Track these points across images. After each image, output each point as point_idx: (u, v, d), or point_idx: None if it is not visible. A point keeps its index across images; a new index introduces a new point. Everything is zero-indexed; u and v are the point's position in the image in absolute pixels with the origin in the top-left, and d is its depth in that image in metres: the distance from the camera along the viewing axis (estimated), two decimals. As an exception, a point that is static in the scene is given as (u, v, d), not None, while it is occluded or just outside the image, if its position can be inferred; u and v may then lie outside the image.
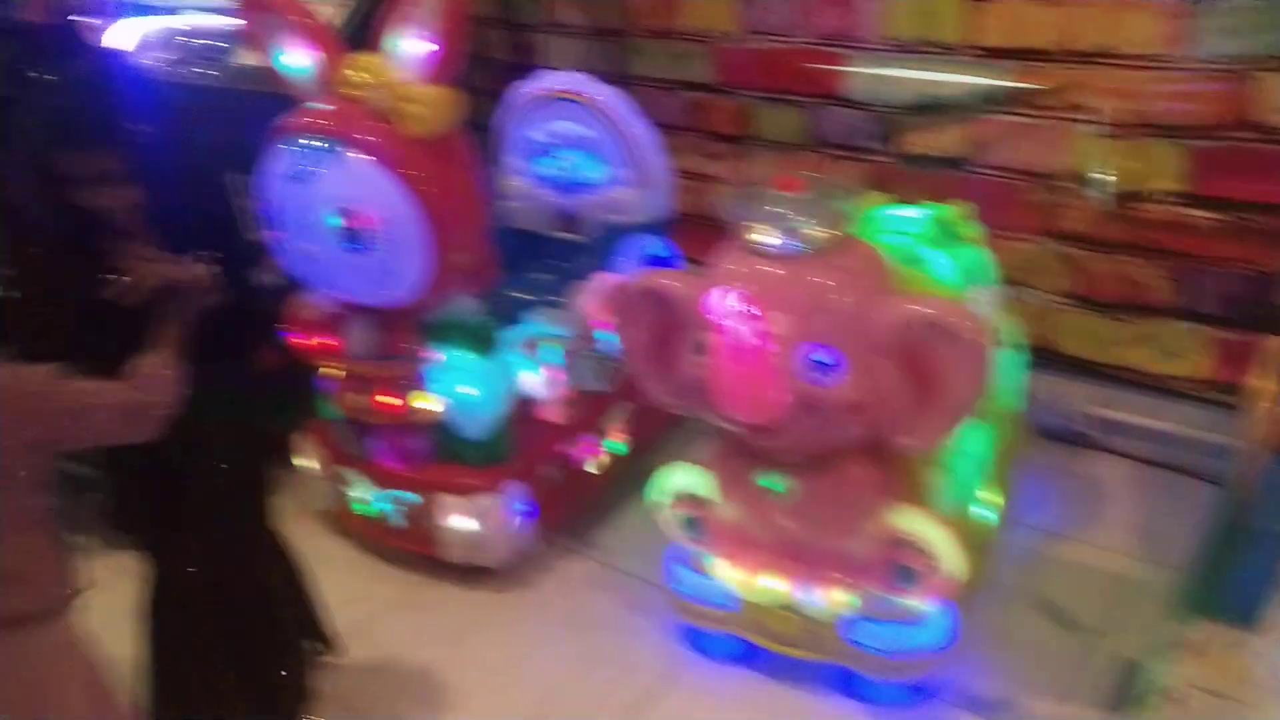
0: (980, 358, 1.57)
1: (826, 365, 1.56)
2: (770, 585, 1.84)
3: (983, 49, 2.44)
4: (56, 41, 2.36)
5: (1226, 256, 2.26)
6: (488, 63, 2.11)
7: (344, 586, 2.10)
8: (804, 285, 1.60)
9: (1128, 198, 2.32)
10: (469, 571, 2.26)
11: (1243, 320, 2.29)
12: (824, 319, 1.58)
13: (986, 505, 2.10)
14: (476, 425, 2.15)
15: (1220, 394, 2.37)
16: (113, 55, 2.59)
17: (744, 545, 1.85)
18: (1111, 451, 2.58)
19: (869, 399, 1.59)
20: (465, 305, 2.11)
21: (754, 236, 1.64)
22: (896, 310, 1.59)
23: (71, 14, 3.42)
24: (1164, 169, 2.27)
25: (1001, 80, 2.41)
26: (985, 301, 2.06)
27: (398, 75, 1.89)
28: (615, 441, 2.48)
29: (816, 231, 1.61)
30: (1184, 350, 2.39)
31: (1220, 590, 1.47)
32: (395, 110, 1.87)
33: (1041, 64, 2.36)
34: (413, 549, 2.29)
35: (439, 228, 1.90)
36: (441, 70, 1.89)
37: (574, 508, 2.42)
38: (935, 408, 1.62)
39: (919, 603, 1.80)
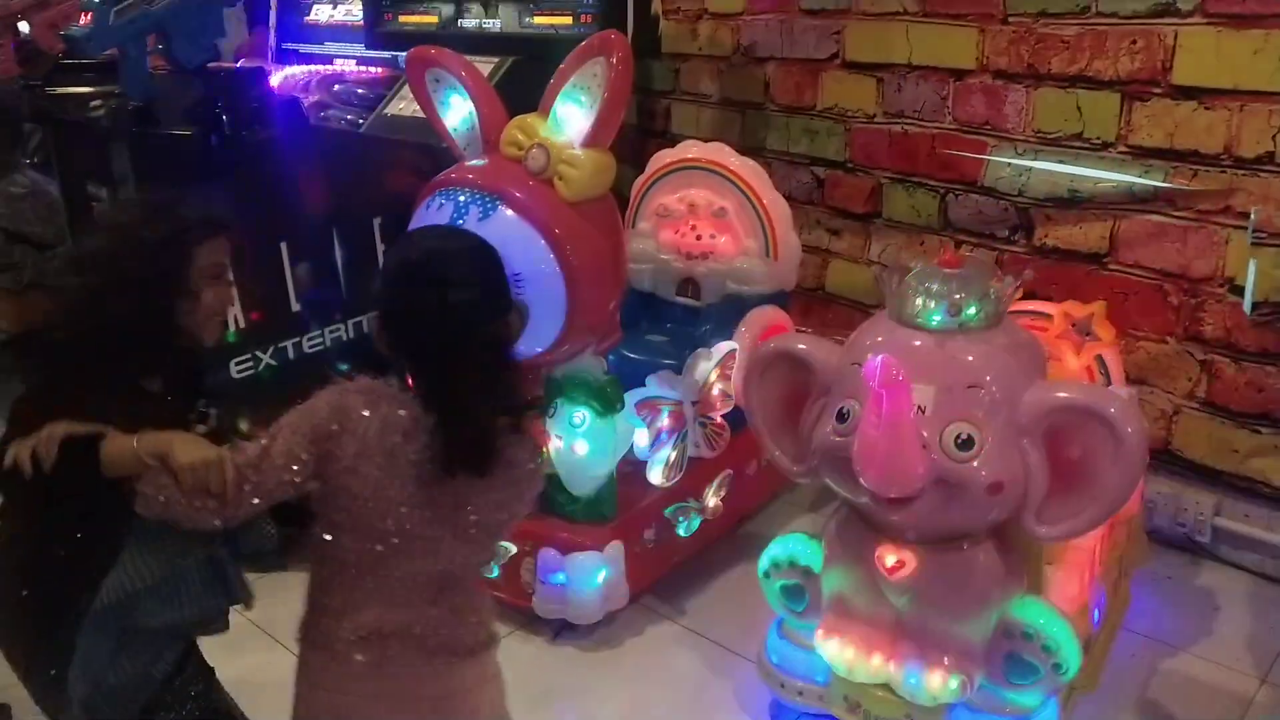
0: (1135, 452, 1.53)
1: (972, 443, 1.55)
2: (875, 664, 1.80)
3: (1137, 148, 2.41)
4: (239, 86, 2.55)
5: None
6: (620, 128, 2.18)
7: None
8: (957, 362, 1.60)
9: (1276, 307, 2.25)
10: (559, 627, 2.27)
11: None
12: (974, 397, 1.57)
13: (1100, 605, 2.03)
14: (587, 482, 2.17)
15: None
16: (285, 102, 2.79)
17: (851, 620, 1.81)
18: (1232, 564, 2.48)
19: (1010, 482, 1.57)
20: (591, 363, 2.16)
21: (909, 311, 1.66)
22: (1049, 395, 1.58)
23: (240, 60, 3.66)
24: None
25: (1150, 179, 2.38)
26: (1124, 398, 2.01)
27: (559, 138, 1.96)
28: (713, 508, 2.48)
29: (973, 310, 1.62)
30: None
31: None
32: (554, 172, 1.94)
33: (1197, 167, 2.32)
34: (504, 599, 2.30)
35: (579, 288, 1.96)
36: (600, 136, 1.96)
37: (668, 571, 2.42)
38: (1079, 500, 1.58)
39: (1030, 698, 1.74)
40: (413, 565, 1.31)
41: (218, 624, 1.54)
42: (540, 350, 2.03)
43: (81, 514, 1.36)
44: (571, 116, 1.97)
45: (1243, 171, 2.27)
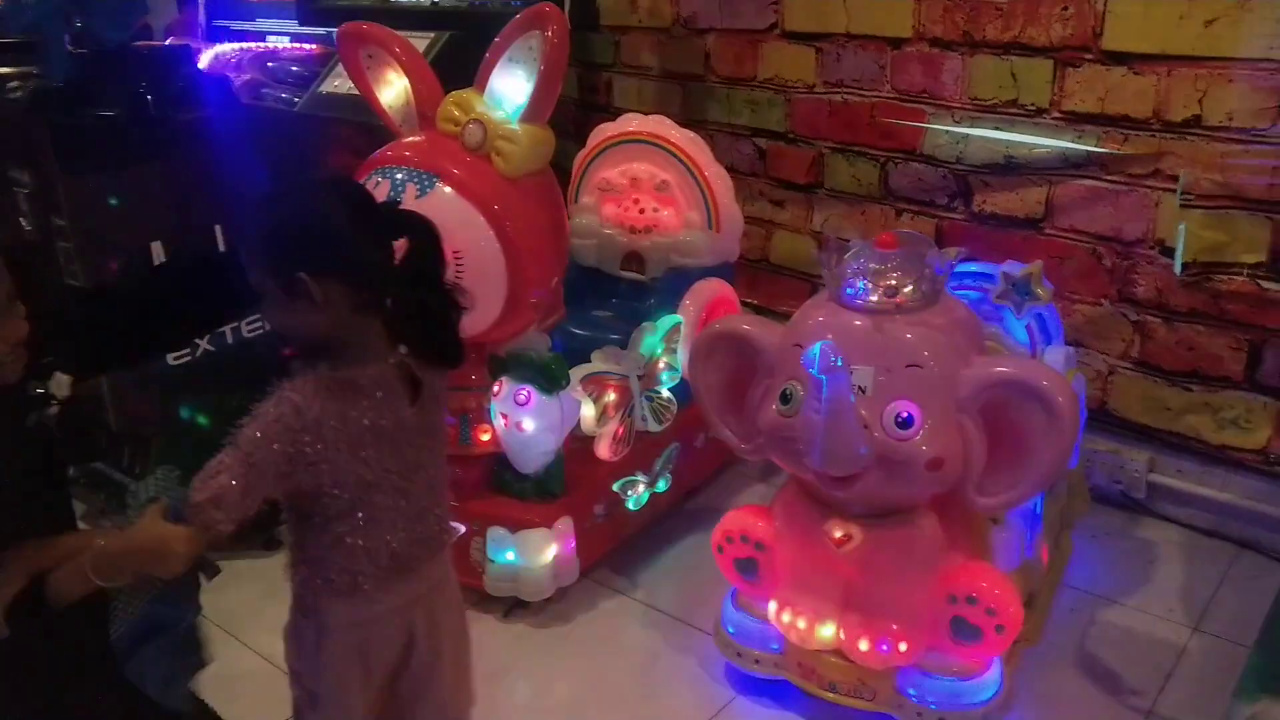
0: (1067, 423, 1.58)
1: (912, 421, 1.58)
2: (826, 632, 1.83)
3: (1070, 114, 2.44)
4: (164, 65, 2.48)
5: (1304, 332, 2.24)
6: (560, 102, 2.17)
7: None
8: (895, 342, 1.63)
9: (1204, 268, 2.31)
10: (510, 605, 2.27)
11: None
12: (913, 376, 1.60)
13: (1042, 563, 2.08)
14: (534, 459, 2.17)
15: None
16: (214, 80, 2.72)
17: (802, 591, 1.85)
18: (1167, 519, 2.55)
19: (949, 458, 1.61)
20: (535, 340, 2.15)
21: (848, 292, 1.68)
22: (986, 371, 1.62)
23: (170, 38, 3.56)
24: (1245, 241, 2.25)
25: (1083, 144, 2.42)
26: (1055, 360, 2.05)
27: (496, 114, 1.94)
28: (663, 482, 2.49)
29: (911, 289, 1.65)
30: (1250, 422, 2.36)
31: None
32: (492, 148, 1.92)
33: (1128, 132, 2.36)
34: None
35: (520, 264, 1.95)
36: (537, 110, 1.94)
37: (619, 546, 2.42)
38: (1017, 472, 1.63)
39: (976, 659, 1.79)
40: (405, 488, 1.35)
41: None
42: (483, 327, 2.02)
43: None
44: (508, 91, 1.95)
45: (1171, 135, 2.31)
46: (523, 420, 2.10)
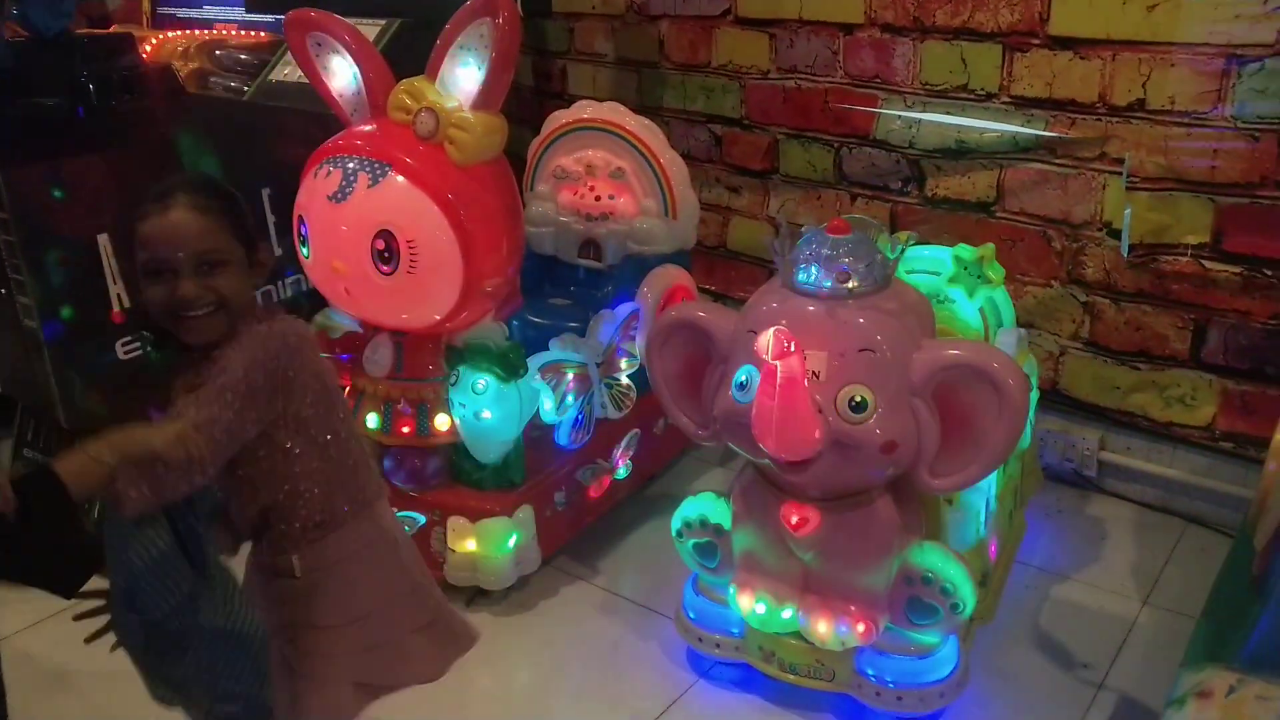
0: (1017, 407, 1.60)
1: (865, 405, 1.60)
2: (786, 615, 1.85)
3: (1019, 98, 2.47)
4: (105, 53, 2.42)
5: (1245, 310, 2.29)
6: (516, 89, 2.16)
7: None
8: (848, 327, 1.64)
9: (1149, 249, 2.36)
10: (471, 594, 2.27)
11: (1257, 373, 2.32)
12: (866, 360, 1.62)
13: (996, 541, 2.12)
14: (493, 449, 2.16)
15: (1230, 444, 2.39)
16: (158, 69, 2.67)
17: (761, 575, 1.87)
18: (1117, 495, 2.61)
19: (903, 441, 1.63)
20: (491, 330, 2.14)
21: (800, 278, 1.69)
22: (937, 354, 1.64)
23: (112, 25, 3.49)
24: (1189, 223, 2.30)
25: (1032, 128, 2.46)
26: (1008, 343, 2.09)
27: (448, 102, 1.93)
28: (623, 468, 2.50)
29: (862, 274, 1.66)
30: (1194, 399, 2.42)
31: (1234, 639, 1.48)
32: (444, 136, 1.90)
33: (1075, 116, 2.40)
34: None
35: (475, 253, 1.93)
36: (489, 98, 1.92)
37: (579, 533, 2.43)
38: (968, 453, 1.65)
39: (931, 636, 1.82)
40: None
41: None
42: (438, 317, 2.00)
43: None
44: (460, 79, 1.93)
45: (1116, 119, 2.35)
46: (481, 409, 2.09)
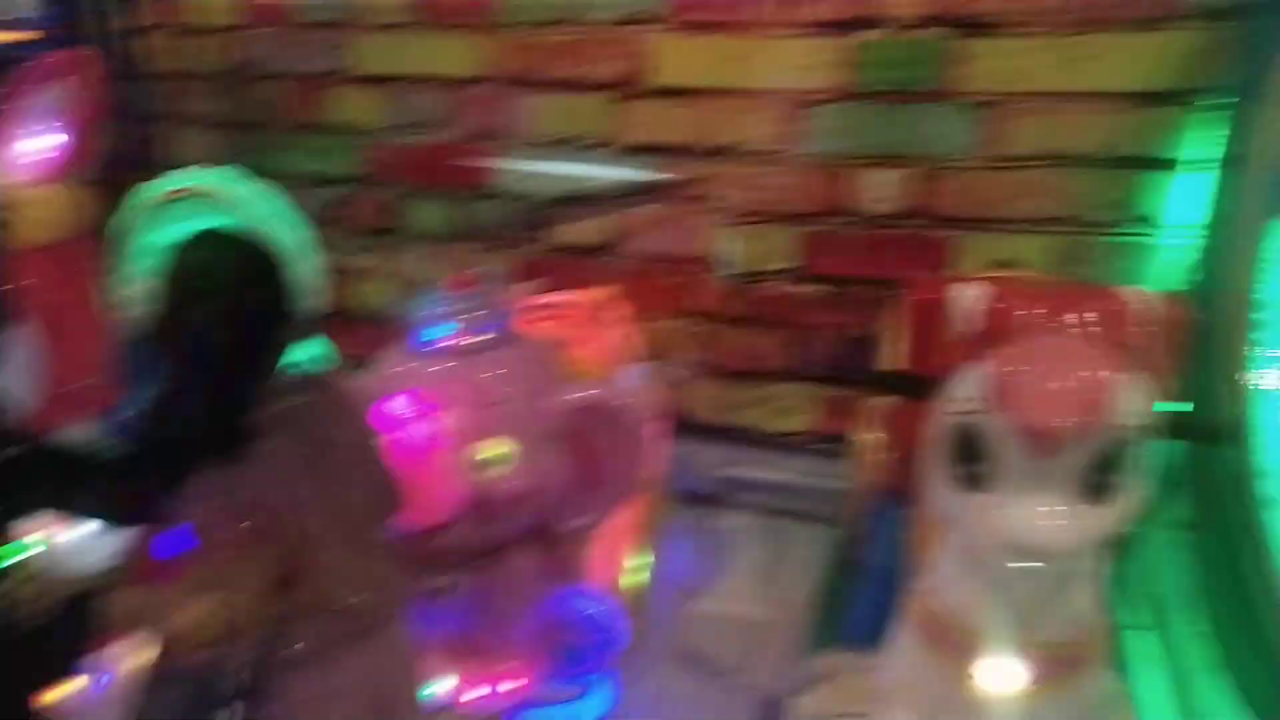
0: (634, 435, 1.69)
1: (501, 459, 1.61)
2: (449, 686, 1.81)
3: (629, 146, 2.65)
4: None
5: (830, 323, 2.59)
6: (110, 158, 2.00)
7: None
8: (474, 382, 1.64)
9: (749, 277, 2.61)
10: None
11: (844, 379, 2.63)
12: (496, 413, 1.63)
13: (638, 571, 2.22)
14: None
15: (829, 445, 2.63)
16: None
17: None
18: (739, 507, 2.80)
19: (537, 488, 1.65)
20: (76, 433, 1.90)
21: (422, 335, 1.68)
22: (562, 398, 1.69)
23: None
24: (779, 250, 2.58)
25: (640, 174, 2.64)
26: (634, 378, 2.20)
27: (11, 177, 1.72)
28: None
29: (484, 328, 1.68)
30: (796, 408, 2.70)
31: (842, 621, 1.66)
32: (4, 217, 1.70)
33: (676, 159, 2.61)
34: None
35: (54, 346, 1.74)
36: (68, 168, 1.74)
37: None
38: (599, 490, 1.72)
39: (589, 678, 1.85)
40: None
41: None
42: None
43: None
44: (27, 150, 1.74)
45: (713, 160, 2.58)
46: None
